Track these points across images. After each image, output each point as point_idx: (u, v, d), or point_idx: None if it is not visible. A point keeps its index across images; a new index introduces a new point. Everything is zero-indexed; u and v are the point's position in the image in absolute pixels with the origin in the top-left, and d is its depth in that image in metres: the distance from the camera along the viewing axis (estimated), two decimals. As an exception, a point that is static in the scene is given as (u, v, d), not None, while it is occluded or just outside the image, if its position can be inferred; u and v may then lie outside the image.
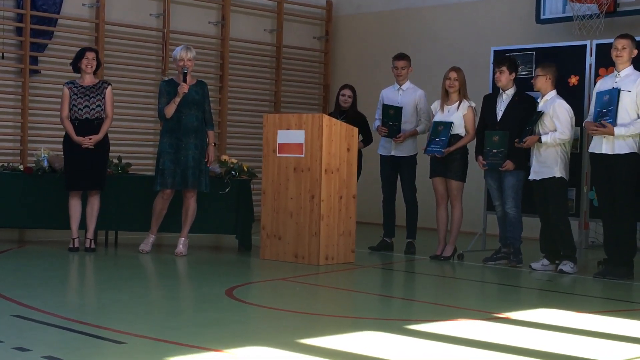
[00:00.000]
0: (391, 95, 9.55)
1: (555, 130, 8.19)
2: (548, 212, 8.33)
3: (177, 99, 8.61)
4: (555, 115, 8.21)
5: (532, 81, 8.47)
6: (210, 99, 9.17)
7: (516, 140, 8.38)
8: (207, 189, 8.82)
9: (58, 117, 8.83)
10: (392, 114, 9.33)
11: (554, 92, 8.37)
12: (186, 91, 8.60)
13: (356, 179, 8.79)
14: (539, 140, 8.20)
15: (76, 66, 8.86)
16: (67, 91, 8.79)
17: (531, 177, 8.39)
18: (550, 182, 8.26)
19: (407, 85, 9.50)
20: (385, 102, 9.50)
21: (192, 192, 8.76)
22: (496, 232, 9.13)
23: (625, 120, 7.77)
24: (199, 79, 9.00)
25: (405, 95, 9.46)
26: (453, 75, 8.89)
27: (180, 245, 8.82)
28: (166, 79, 9.38)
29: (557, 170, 8.24)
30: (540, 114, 8.27)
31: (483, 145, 8.71)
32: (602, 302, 7.14)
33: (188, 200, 8.79)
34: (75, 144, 8.72)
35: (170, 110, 8.67)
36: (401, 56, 9.55)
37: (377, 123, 9.54)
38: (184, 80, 8.61)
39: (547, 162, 8.25)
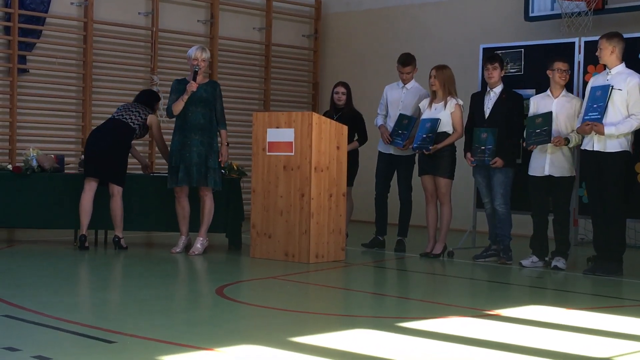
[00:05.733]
0: (395, 92, 9.48)
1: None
2: (546, 208, 8.33)
3: (185, 97, 8.61)
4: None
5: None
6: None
7: (525, 142, 8.28)
8: (217, 186, 8.73)
9: (47, 115, 8.78)
10: (405, 123, 9.24)
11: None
12: (194, 89, 8.58)
13: (346, 177, 8.76)
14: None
15: (153, 106, 9.27)
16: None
17: (547, 172, 8.20)
18: (566, 180, 8.24)
19: (411, 84, 9.43)
20: (401, 112, 9.32)
21: (204, 190, 8.72)
22: (486, 230, 9.15)
23: (617, 119, 7.75)
24: (211, 79, 9.02)
25: (408, 94, 9.39)
26: (433, 73, 8.88)
27: (198, 245, 8.78)
28: (156, 79, 9.39)
29: (573, 169, 8.27)
30: (549, 115, 8.18)
31: (472, 143, 8.72)
32: (592, 298, 7.15)
33: (202, 198, 8.76)
34: (94, 136, 8.99)
35: (177, 107, 8.67)
36: (407, 62, 9.35)
37: (380, 121, 9.50)
38: (194, 79, 8.61)
39: (565, 159, 8.19)
